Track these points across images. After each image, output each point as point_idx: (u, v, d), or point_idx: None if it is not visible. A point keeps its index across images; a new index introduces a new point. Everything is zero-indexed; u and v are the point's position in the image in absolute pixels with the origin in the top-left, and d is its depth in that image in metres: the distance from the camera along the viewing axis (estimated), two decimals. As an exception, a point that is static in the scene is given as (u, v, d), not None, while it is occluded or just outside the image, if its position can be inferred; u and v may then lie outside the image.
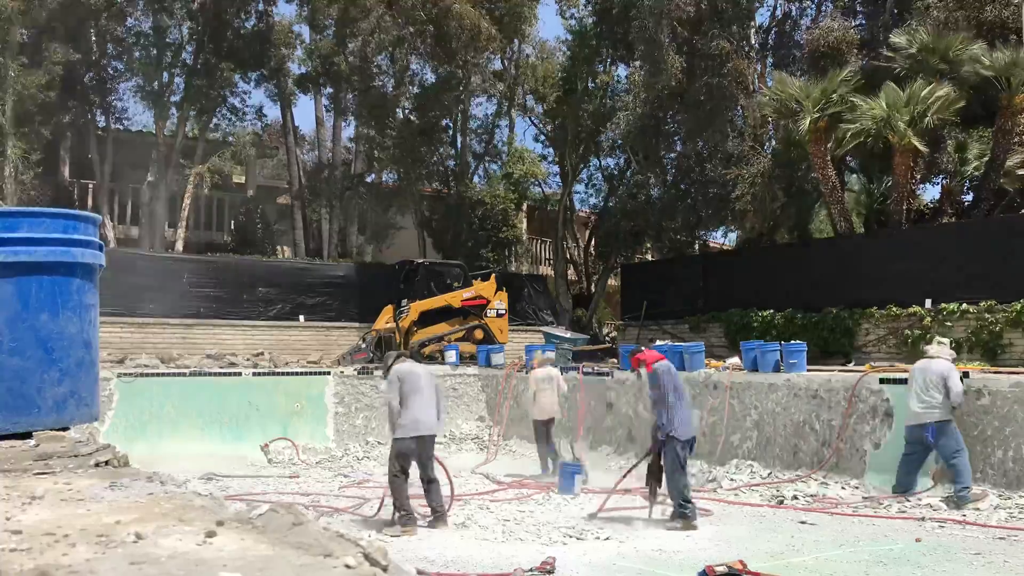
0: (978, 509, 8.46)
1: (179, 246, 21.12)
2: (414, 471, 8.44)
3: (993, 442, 9.14)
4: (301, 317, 19.37)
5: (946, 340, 9.98)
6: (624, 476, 9.18)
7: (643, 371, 8.81)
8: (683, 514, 8.15)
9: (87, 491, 2.42)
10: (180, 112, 21.77)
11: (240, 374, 14.54)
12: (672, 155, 21.41)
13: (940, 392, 8.93)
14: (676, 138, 20.94)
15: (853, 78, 15.21)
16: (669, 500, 8.45)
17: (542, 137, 25.92)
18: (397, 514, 8.25)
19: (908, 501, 9.01)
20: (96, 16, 19.76)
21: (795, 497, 9.65)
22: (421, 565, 6.66)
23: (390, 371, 8.66)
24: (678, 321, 18.30)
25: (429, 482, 8.39)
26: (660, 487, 8.48)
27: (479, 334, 17.57)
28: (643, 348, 9.50)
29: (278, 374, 14.82)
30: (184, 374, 14.18)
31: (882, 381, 10.20)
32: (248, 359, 16.98)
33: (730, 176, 17.54)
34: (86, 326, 3.66)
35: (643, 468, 8.78)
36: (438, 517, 8.33)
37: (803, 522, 8.44)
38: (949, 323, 13.47)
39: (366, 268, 21.30)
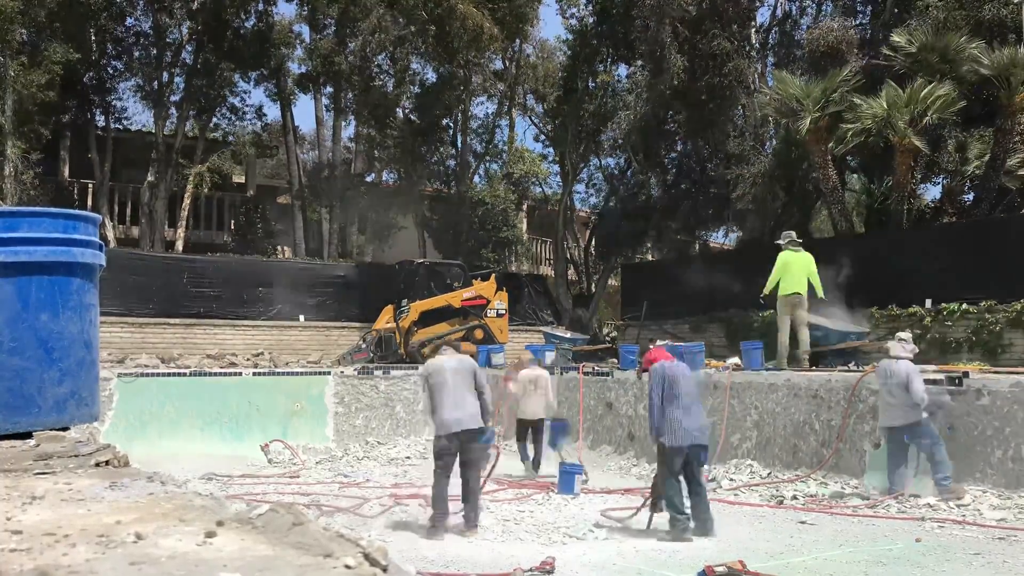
0: (959, 501, 8.56)
1: (179, 246, 21.12)
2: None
3: (993, 442, 9.14)
4: (301, 317, 19.37)
5: (907, 335, 9.87)
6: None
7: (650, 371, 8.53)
8: (676, 526, 7.73)
9: (87, 491, 2.42)
10: (180, 112, 21.77)
11: (240, 374, 14.54)
12: (673, 155, 21.41)
13: (906, 393, 9.01)
14: (677, 138, 20.94)
15: (853, 77, 15.22)
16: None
17: (542, 137, 25.96)
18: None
19: (909, 501, 9.03)
20: (96, 16, 19.76)
21: (795, 497, 9.66)
22: (421, 565, 6.66)
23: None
24: (678, 321, 18.28)
25: (466, 484, 8.01)
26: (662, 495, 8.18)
27: (479, 334, 17.56)
28: (651, 347, 8.96)
29: (278, 374, 14.82)
30: (184, 374, 14.18)
31: (882, 381, 10.19)
32: (248, 359, 16.99)
33: (731, 176, 17.54)
34: (86, 326, 3.66)
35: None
36: (468, 524, 7.95)
37: (803, 522, 8.44)
38: (949, 323, 13.47)
39: (366, 268, 21.31)
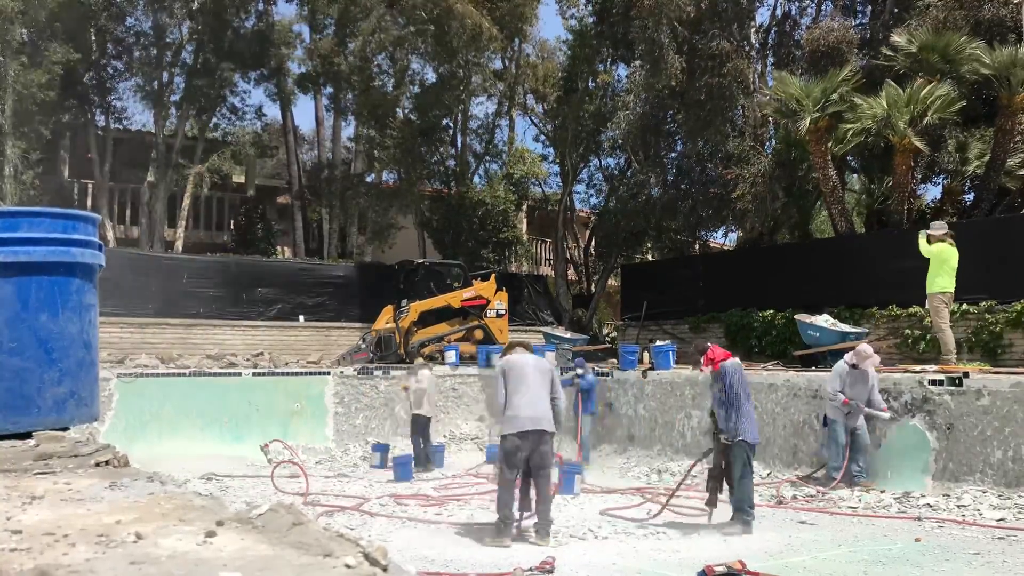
0: (866, 493, 9.39)
1: (179, 246, 21.12)
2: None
3: (993, 442, 9.15)
4: (301, 317, 19.36)
5: (867, 347, 10.35)
6: (682, 480, 9.00)
7: (708, 370, 8.20)
8: (746, 521, 7.90)
9: (87, 491, 2.42)
10: (180, 112, 21.77)
11: (240, 374, 14.54)
12: (672, 155, 21.40)
13: (830, 387, 10.04)
14: (676, 138, 20.93)
15: (853, 77, 15.20)
16: (731, 505, 8.07)
17: (542, 137, 25.95)
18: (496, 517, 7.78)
19: (908, 500, 9.05)
20: (96, 16, 19.75)
21: (794, 497, 9.67)
22: (421, 565, 6.66)
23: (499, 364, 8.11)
24: (678, 321, 18.28)
25: (538, 492, 7.72)
26: (721, 491, 8.16)
27: (479, 334, 17.56)
28: (709, 344, 8.71)
29: (278, 374, 14.82)
30: (184, 374, 14.18)
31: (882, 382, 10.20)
32: (248, 359, 16.98)
33: (730, 176, 17.53)
34: (86, 326, 3.66)
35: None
36: (540, 534, 7.63)
37: (802, 522, 8.45)
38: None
39: (366, 268, 21.29)
